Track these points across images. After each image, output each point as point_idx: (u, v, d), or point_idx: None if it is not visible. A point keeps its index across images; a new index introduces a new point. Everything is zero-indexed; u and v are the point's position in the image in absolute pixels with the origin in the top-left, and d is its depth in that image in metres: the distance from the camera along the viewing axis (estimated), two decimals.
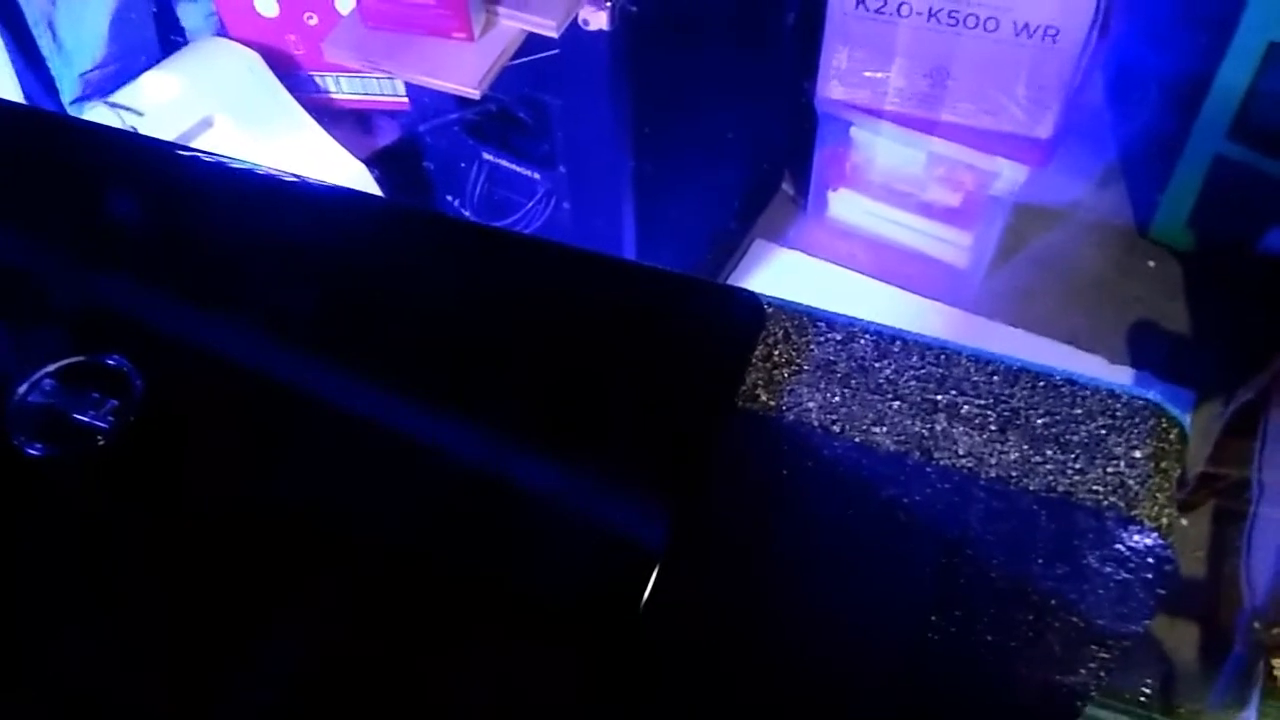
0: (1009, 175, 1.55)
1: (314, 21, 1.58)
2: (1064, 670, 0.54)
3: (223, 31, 1.61)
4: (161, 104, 1.49)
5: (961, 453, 0.49)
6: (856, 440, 0.50)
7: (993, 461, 0.49)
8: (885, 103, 1.56)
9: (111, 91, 1.51)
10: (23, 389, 0.50)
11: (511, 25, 1.15)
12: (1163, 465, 0.49)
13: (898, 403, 0.51)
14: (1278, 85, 1.46)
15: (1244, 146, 1.54)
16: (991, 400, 0.51)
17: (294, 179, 0.61)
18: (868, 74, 1.54)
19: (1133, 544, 0.48)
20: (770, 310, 0.54)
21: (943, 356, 0.52)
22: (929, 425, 0.50)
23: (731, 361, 0.52)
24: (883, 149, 1.65)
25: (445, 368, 0.54)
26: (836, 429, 0.50)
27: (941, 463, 0.49)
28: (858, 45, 1.50)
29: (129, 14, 1.51)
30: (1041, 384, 0.51)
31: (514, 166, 1.40)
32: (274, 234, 0.59)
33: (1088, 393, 0.51)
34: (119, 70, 1.53)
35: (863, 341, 0.53)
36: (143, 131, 1.43)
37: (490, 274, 0.57)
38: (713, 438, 0.51)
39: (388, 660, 0.45)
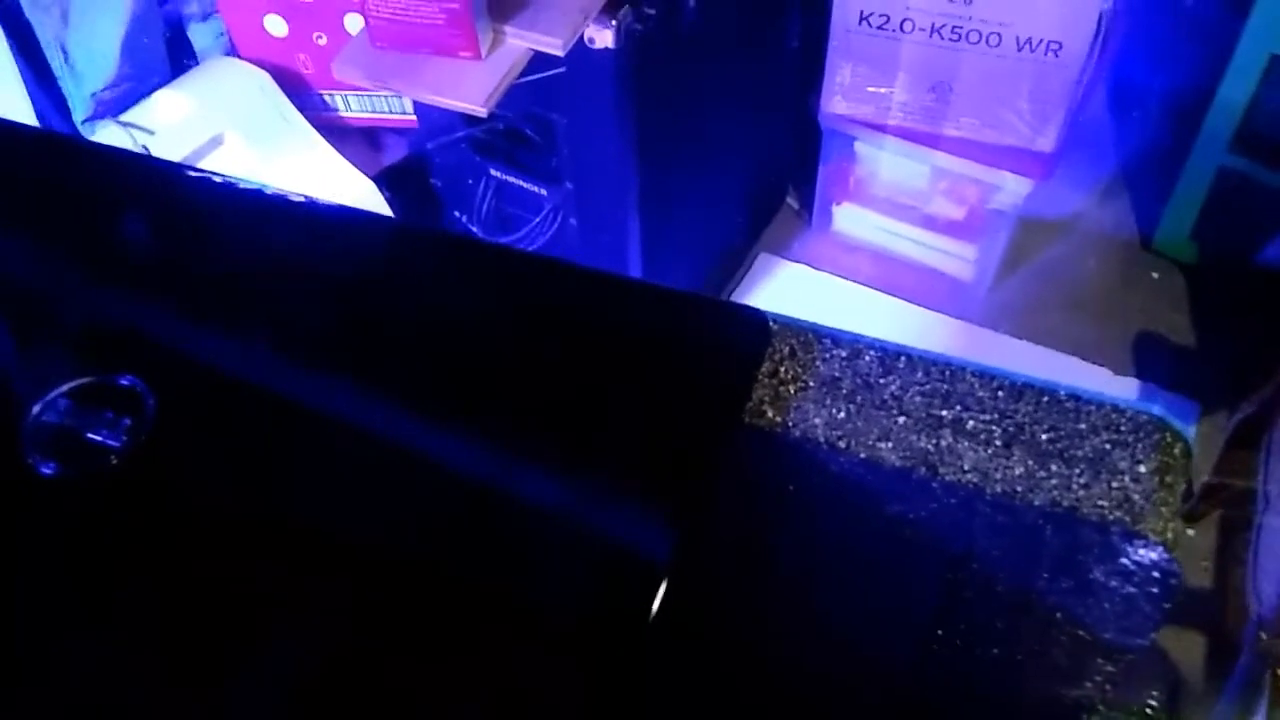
0: (1012, 188, 1.55)
1: (323, 41, 1.59)
2: (1069, 684, 0.54)
3: (233, 51, 1.62)
4: (172, 123, 1.51)
5: (967, 468, 0.50)
6: (862, 456, 0.51)
7: (998, 477, 0.50)
8: (889, 117, 1.57)
9: (123, 111, 1.53)
10: (37, 409, 0.51)
11: (518, 44, 1.16)
12: (1167, 480, 0.50)
13: (903, 418, 0.51)
14: None
15: (1246, 159, 1.55)
16: (996, 416, 0.51)
17: (304, 199, 0.62)
18: (871, 89, 1.54)
19: (1138, 558, 0.48)
20: (776, 327, 0.55)
21: (948, 372, 0.53)
22: (934, 441, 0.51)
23: (738, 378, 0.53)
24: (887, 163, 1.66)
25: (454, 385, 0.54)
26: (842, 445, 0.51)
27: (947, 478, 0.50)
28: (861, 61, 1.51)
29: (140, 34, 1.53)
30: (1046, 399, 0.52)
31: (521, 183, 1.41)
32: (285, 254, 0.60)
33: (1092, 408, 0.51)
34: (130, 90, 1.54)
35: (868, 358, 0.54)
36: (154, 150, 1.44)
37: (500, 292, 0.58)
38: (720, 454, 0.52)
39: (400, 672, 0.46)
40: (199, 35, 1.62)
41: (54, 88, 1.51)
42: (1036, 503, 0.49)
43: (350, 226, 0.63)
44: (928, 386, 0.52)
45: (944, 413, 0.51)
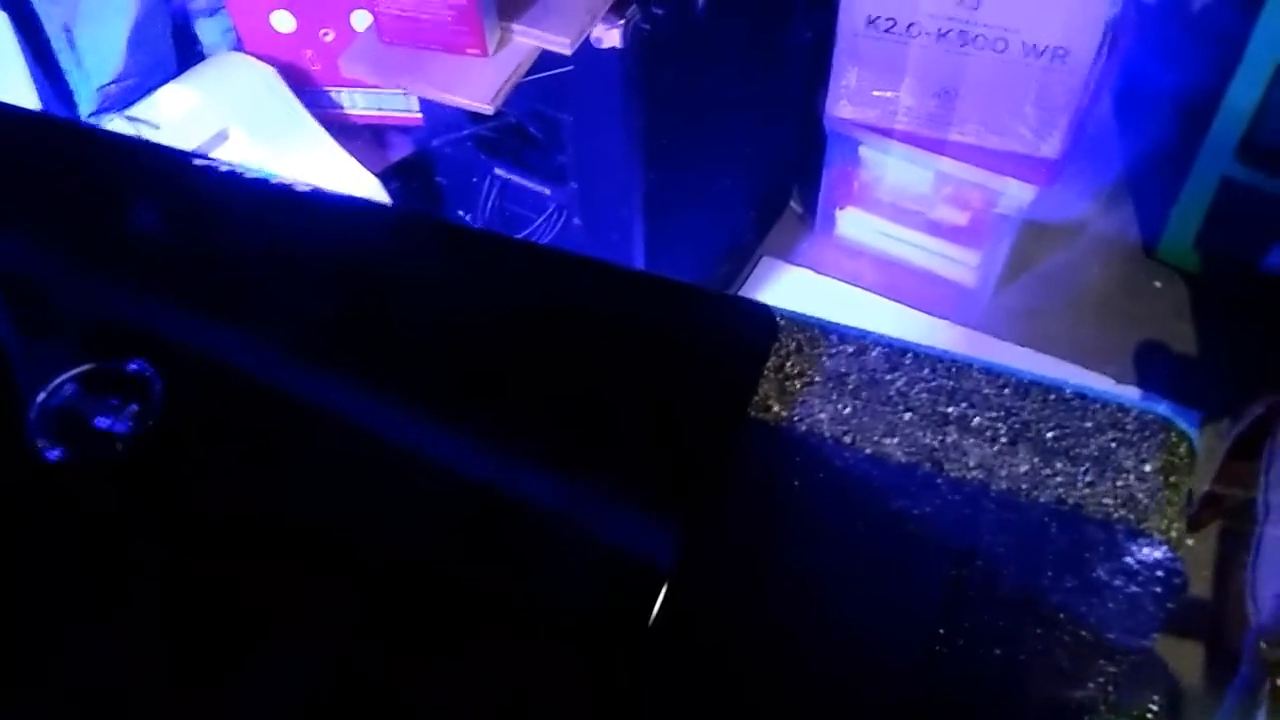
0: (1016, 194, 1.55)
1: (330, 38, 1.59)
2: (1072, 684, 0.54)
3: (240, 46, 1.63)
4: (178, 117, 1.51)
5: (972, 464, 0.50)
6: (868, 451, 0.51)
7: (1003, 474, 0.50)
8: (894, 122, 1.57)
9: (129, 105, 1.53)
10: (44, 394, 0.51)
11: (525, 42, 1.16)
12: (1172, 479, 0.50)
13: (909, 414, 0.52)
14: None
15: (1251, 168, 1.55)
16: (1002, 413, 0.51)
17: (311, 189, 0.62)
18: (876, 93, 1.55)
19: (1142, 557, 0.48)
20: (783, 322, 0.55)
21: (954, 369, 0.53)
22: (940, 437, 0.51)
23: (744, 372, 0.53)
24: (891, 168, 1.66)
25: (460, 377, 0.54)
26: (848, 440, 0.51)
27: (952, 474, 0.50)
28: (867, 65, 1.52)
29: (148, 29, 1.53)
30: (1052, 397, 0.52)
31: (526, 182, 1.41)
32: (292, 243, 0.60)
33: (1098, 406, 0.51)
34: (137, 84, 1.54)
35: (874, 354, 0.54)
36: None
37: (506, 284, 0.58)
38: (725, 447, 0.52)
39: (400, 667, 0.46)
40: (206, 30, 1.62)
41: (61, 81, 1.51)
42: (1041, 500, 0.49)
43: (357, 216, 0.63)
44: (934, 383, 0.52)
45: (950, 409, 0.51)
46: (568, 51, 1.14)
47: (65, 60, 1.49)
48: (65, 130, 0.80)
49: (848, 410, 0.52)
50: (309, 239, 0.60)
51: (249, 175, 0.62)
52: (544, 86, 1.23)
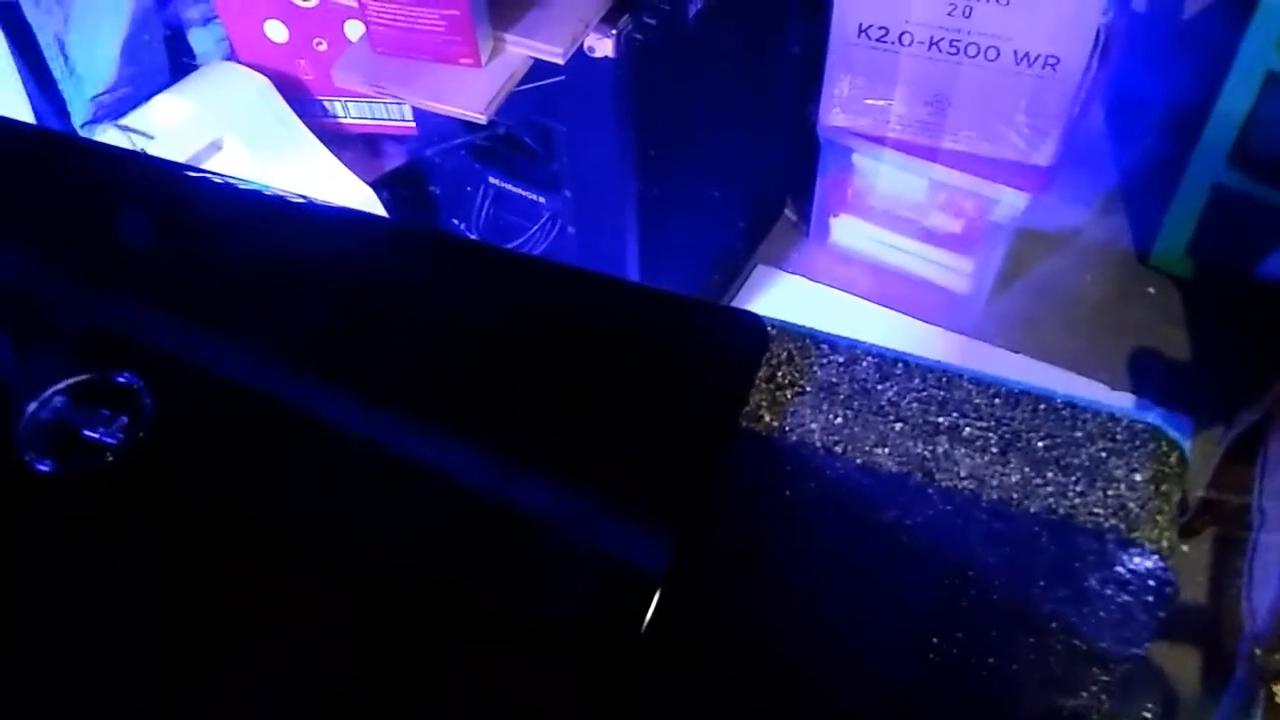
0: (1010, 202, 1.56)
1: (323, 47, 1.60)
2: (1065, 693, 0.54)
3: (233, 56, 1.63)
4: (171, 127, 1.51)
5: (963, 474, 0.50)
6: (859, 461, 0.51)
7: (994, 484, 0.50)
8: (887, 130, 1.58)
9: (122, 114, 1.53)
10: (34, 406, 0.51)
11: (518, 52, 1.16)
12: (1163, 488, 0.50)
13: (900, 424, 0.52)
14: (1276, 114, 1.48)
15: (1243, 174, 1.55)
16: (993, 423, 0.51)
17: (303, 200, 0.62)
18: (869, 101, 1.55)
19: (1134, 566, 0.48)
20: (774, 332, 0.55)
21: (944, 379, 0.53)
22: (931, 447, 0.51)
23: (736, 382, 0.53)
24: (884, 175, 1.66)
25: (452, 388, 0.54)
26: (839, 450, 0.51)
27: (943, 484, 0.50)
28: (859, 73, 1.52)
29: (141, 38, 1.53)
30: (1043, 407, 0.52)
31: (519, 191, 1.41)
32: (284, 255, 0.60)
33: (1088, 416, 0.51)
34: (130, 93, 1.54)
35: (865, 364, 0.54)
36: (152, 154, 1.45)
37: (498, 295, 0.58)
38: (716, 458, 0.52)
39: (392, 678, 0.46)
40: (199, 40, 1.62)
41: (54, 91, 1.51)
42: (1032, 510, 0.49)
43: (349, 228, 0.63)
44: (925, 393, 0.53)
45: (941, 419, 0.52)
46: (561, 61, 1.14)
47: (58, 70, 1.49)
48: (57, 142, 0.80)
49: (839, 420, 0.52)
50: (302, 251, 0.60)
51: (242, 187, 0.62)
52: (537, 96, 1.23)
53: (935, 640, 0.54)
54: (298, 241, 0.60)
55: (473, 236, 1.48)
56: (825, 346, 0.54)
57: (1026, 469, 0.50)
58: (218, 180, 0.62)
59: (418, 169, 1.57)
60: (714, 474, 0.51)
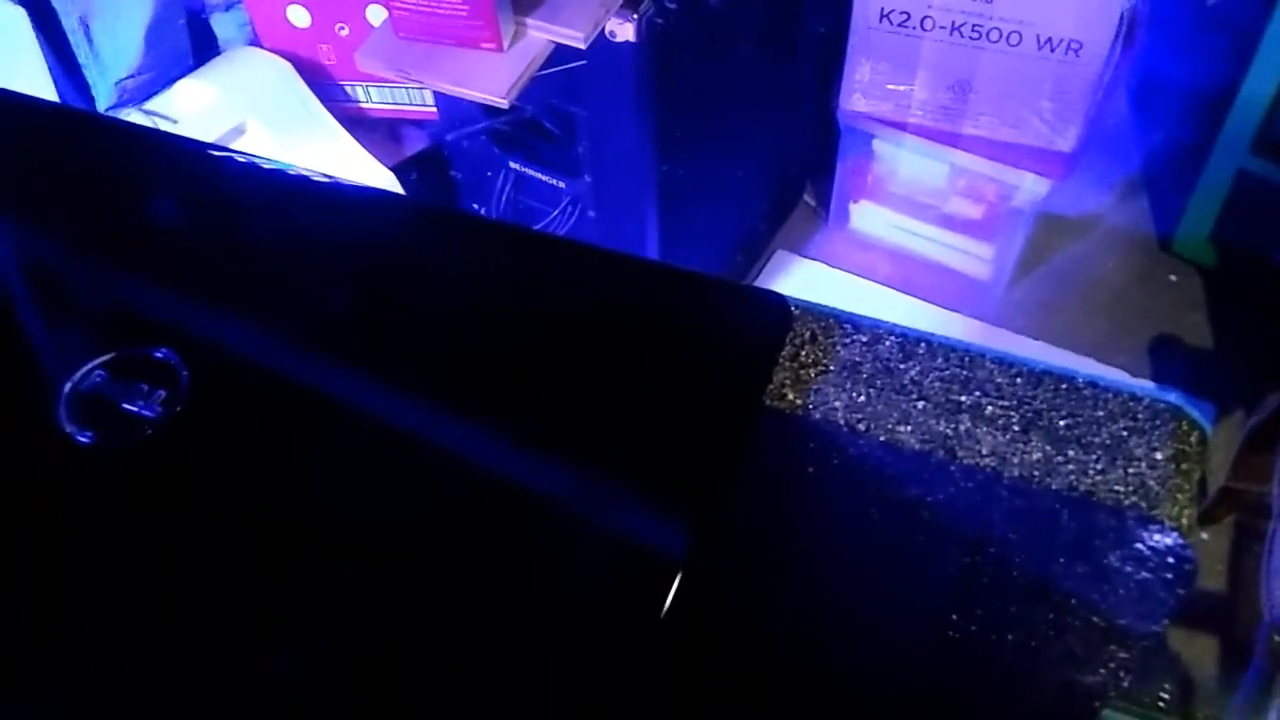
0: (1031, 188, 1.55)
1: (345, 32, 1.60)
2: (1083, 670, 0.55)
3: (256, 41, 1.64)
4: (195, 112, 1.52)
5: (985, 452, 0.51)
6: (881, 439, 0.51)
7: (1015, 461, 0.50)
8: (908, 115, 1.57)
9: (146, 99, 1.54)
10: (74, 380, 0.52)
11: (540, 36, 1.17)
12: (1184, 467, 0.50)
13: (922, 403, 0.52)
14: None
15: (1267, 161, 1.54)
16: (1015, 402, 0.52)
17: (334, 181, 0.63)
18: (891, 87, 1.55)
19: (1153, 543, 0.49)
20: (797, 312, 0.55)
21: (967, 359, 0.53)
22: (953, 425, 0.51)
23: (759, 361, 0.53)
24: (905, 161, 1.66)
25: (476, 367, 0.55)
26: (862, 428, 0.52)
27: (965, 462, 0.50)
28: (881, 58, 1.52)
29: (164, 23, 1.54)
30: (1064, 386, 0.52)
31: (540, 175, 1.42)
32: (316, 234, 0.61)
33: (1110, 395, 0.52)
34: (154, 78, 1.55)
35: (888, 343, 0.54)
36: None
37: (523, 275, 0.59)
38: (740, 435, 0.52)
39: (414, 653, 0.46)
40: (222, 25, 1.63)
41: (78, 75, 1.52)
42: (1053, 487, 0.49)
43: (377, 208, 0.64)
44: (947, 372, 0.53)
45: (963, 398, 0.52)
46: (582, 45, 1.14)
47: (82, 55, 1.50)
48: (91, 123, 0.82)
49: (862, 398, 0.52)
50: (332, 231, 0.61)
51: (272, 166, 0.63)
52: (558, 80, 1.24)
53: (956, 617, 0.55)
54: (329, 221, 0.61)
55: None
56: (848, 326, 0.55)
57: (1048, 447, 0.50)
58: (248, 160, 0.63)
59: (439, 154, 1.58)
60: (738, 452, 0.52)
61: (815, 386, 0.53)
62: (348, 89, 1.68)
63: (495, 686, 0.46)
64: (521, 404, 0.53)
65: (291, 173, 0.62)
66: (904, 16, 1.46)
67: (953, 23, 1.44)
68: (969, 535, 0.52)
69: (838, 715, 0.61)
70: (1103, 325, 1.66)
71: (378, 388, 0.54)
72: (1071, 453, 0.50)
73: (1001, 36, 1.44)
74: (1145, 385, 0.53)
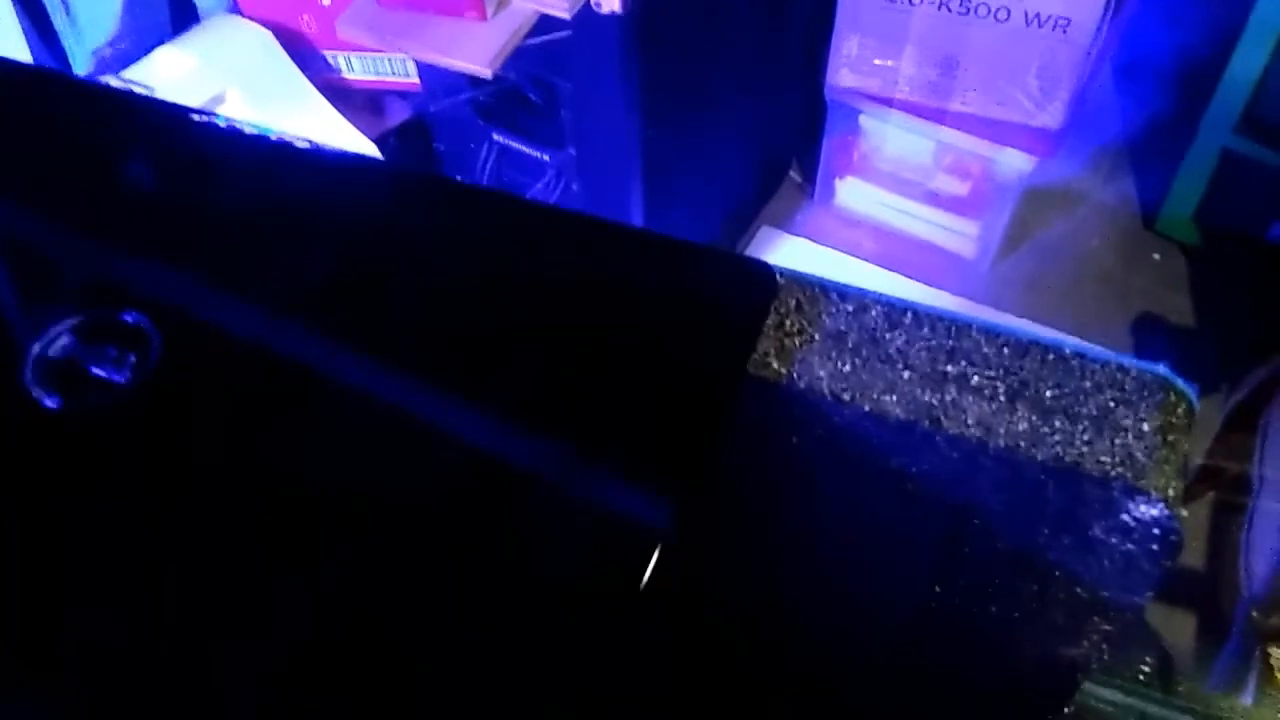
0: (1016, 165, 1.55)
1: (328, 1, 1.58)
2: (1066, 642, 0.54)
3: (236, 9, 1.61)
4: (174, 80, 1.50)
5: (970, 422, 0.50)
6: (866, 409, 0.51)
7: (1001, 431, 0.50)
8: (895, 91, 1.57)
9: (124, 67, 1.51)
10: (42, 342, 0.51)
11: (525, 6, 1.15)
12: (1170, 438, 0.50)
13: (908, 372, 0.51)
14: None
15: (1252, 140, 1.55)
16: (1001, 372, 0.51)
17: (312, 145, 0.61)
18: (878, 62, 1.54)
19: (1139, 514, 0.48)
20: (783, 280, 0.54)
21: (953, 328, 0.53)
22: (939, 395, 0.51)
23: (743, 329, 0.53)
24: (891, 137, 1.65)
25: (455, 335, 0.54)
26: (846, 397, 0.51)
27: (950, 432, 0.50)
28: (869, 33, 1.51)
29: None
30: (1051, 356, 0.52)
31: (523, 147, 1.41)
32: (291, 199, 0.60)
33: (1096, 366, 0.51)
34: (132, 46, 1.53)
35: (874, 312, 0.54)
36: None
37: (504, 241, 0.58)
38: (723, 404, 0.52)
39: (392, 622, 0.46)
40: None
41: (55, 43, 1.50)
42: (1039, 458, 0.49)
43: (356, 173, 0.63)
44: (933, 342, 0.52)
45: (949, 368, 0.51)
46: (567, 15, 1.13)
47: (60, 23, 1.48)
48: (64, 84, 0.80)
49: (847, 368, 0.52)
50: (308, 196, 0.60)
51: (250, 131, 0.62)
52: (543, 51, 1.22)
53: (939, 588, 0.54)
54: (307, 186, 0.60)
55: None
56: (834, 295, 0.54)
57: (1034, 417, 0.50)
58: (226, 123, 0.62)
59: (421, 125, 1.56)
60: (721, 420, 0.51)
61: (800, 355, 0.52)
62: (329, 59, 1.65)
63: (478, 659, 0.45)
64: (502, 371, 0.53)
65: (269, 137, 0.61)
66: None
67: None
68: (954, 505, 0.52)
69: (820, 686, 0.61)
70: (1086, 303, 1.67)
71: (356, 355, 0.54)
72: (1058, 423, 0.50)
73: (989, 12, 1.43)
74: (1133, 359, 0.53)
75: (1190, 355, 1.62)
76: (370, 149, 1.54)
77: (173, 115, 0.64)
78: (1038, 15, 1.41)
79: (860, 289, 0.55)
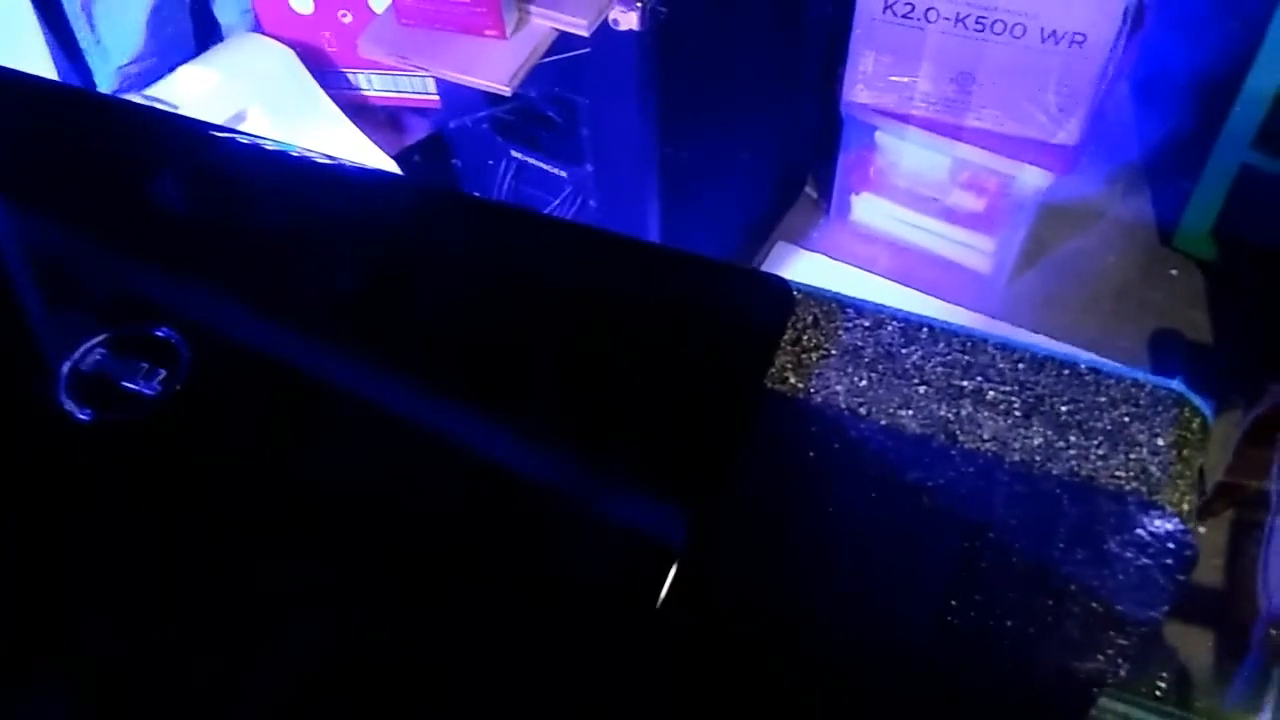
0: (1033, 181, 1.55)
1: (348, 19, 1.60)
2: (1082, 656, 0.55)
3: (258, 27, 1.63)
4: (196, 98, 1.52)
5: (986, 437, 0.50)
6: (883, 423, 0.51)
7: (1016, 446, 0.50)
8: (911, 107, 1.57)
9: (148, 85, 1.54)
10: (74, 358, 0.52)
11: (543, 24, 1.16)
12: (1185, 453, 0.50)
13: (924, 387, 0.52)
14: None
15: (1270, 156, 1.54)
16: (1017, 387, 0.52)
17: (337, 163, 0.63)
18: (894, 78, 1.54)
19: (1154, 529, 0.49)
20: (800, 296, 0.55)
21: (969, 344, 0.53)
22: (954, 410, 0.51)
23: (761, 344, 0.53)
24: (907, 153, 1.66)
25: (476, 349, 0.55)
26: (863, 412, 0.52)
27: (966, 446, 0.50)
28: (884, 50, 1.51)
29: (166, 9, 1.54)
30: (1066, 371, 0.52)
31: (542, 164, 1.42)
32: (313, 215, 0.61)
33: (1111, 381, 0.52)
34: (156, 64, 1.55)
35: (890, 328, 0.54)
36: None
37: (525, 257, 0.59)
38: (741, 418, 0.52)
39: (409, 636, 0.46)
40: (224, 11, 1.63)
41: (80, 61, 1.52)
42: (1054, 472, 0.49)
43: (377, 189, 0.64)
44: (949, 357, 0.53)
45: (965, 383, 0.52)
46: (585, 33, 1.14)
47: (84, 40, 1.50)
48: (93, 102, 0.81)
49: (863, 383, 0.52)
50: (334, 213, 0.61)
51: (274, 148, 0.63)
52: (561, 69, 1.24)
53: (955, 602, 0.55)
54: (328, 202, 0.61)
55: None
56: (850, 310, 0.55)
57: (1049, 432, 0.50)
58: (252, 140, 0.63)
59: (441, 142, 1.58)
60: (739, 435, 0.52)
61: (817, 370, 0.53)
62: (350, 76, 1.67)
63: (493, 671, 0.46)
64: (522, 386, 0.53)
65: (294, 154, 0.62)
66: (908, 7, 1.46)
67: (957, 14, 1.44)
68: (969, 520, 0.52)
69: (837, 699, 0.61)
70: (1103, 319, 1.66)
71: (379, 370, 0.54)
72: (1073, 438, 0.50)
73: (1005, 28, 1.44)
74: (1148, 374, 0.53)
75: (1208, 371, 1.61)
76: (390, 165, 1.56)
77: (197, 133, 0.66)
78: (1054, 31, 1.41)
79: (876, 304, 0.55)
